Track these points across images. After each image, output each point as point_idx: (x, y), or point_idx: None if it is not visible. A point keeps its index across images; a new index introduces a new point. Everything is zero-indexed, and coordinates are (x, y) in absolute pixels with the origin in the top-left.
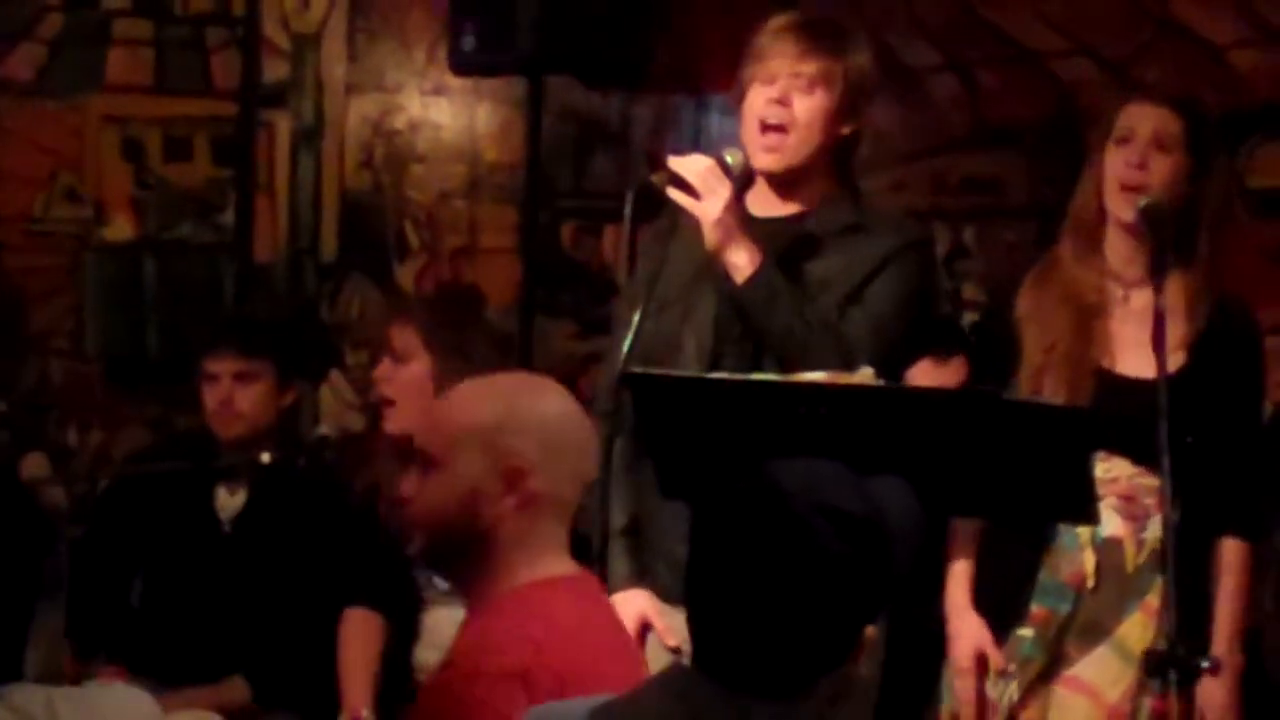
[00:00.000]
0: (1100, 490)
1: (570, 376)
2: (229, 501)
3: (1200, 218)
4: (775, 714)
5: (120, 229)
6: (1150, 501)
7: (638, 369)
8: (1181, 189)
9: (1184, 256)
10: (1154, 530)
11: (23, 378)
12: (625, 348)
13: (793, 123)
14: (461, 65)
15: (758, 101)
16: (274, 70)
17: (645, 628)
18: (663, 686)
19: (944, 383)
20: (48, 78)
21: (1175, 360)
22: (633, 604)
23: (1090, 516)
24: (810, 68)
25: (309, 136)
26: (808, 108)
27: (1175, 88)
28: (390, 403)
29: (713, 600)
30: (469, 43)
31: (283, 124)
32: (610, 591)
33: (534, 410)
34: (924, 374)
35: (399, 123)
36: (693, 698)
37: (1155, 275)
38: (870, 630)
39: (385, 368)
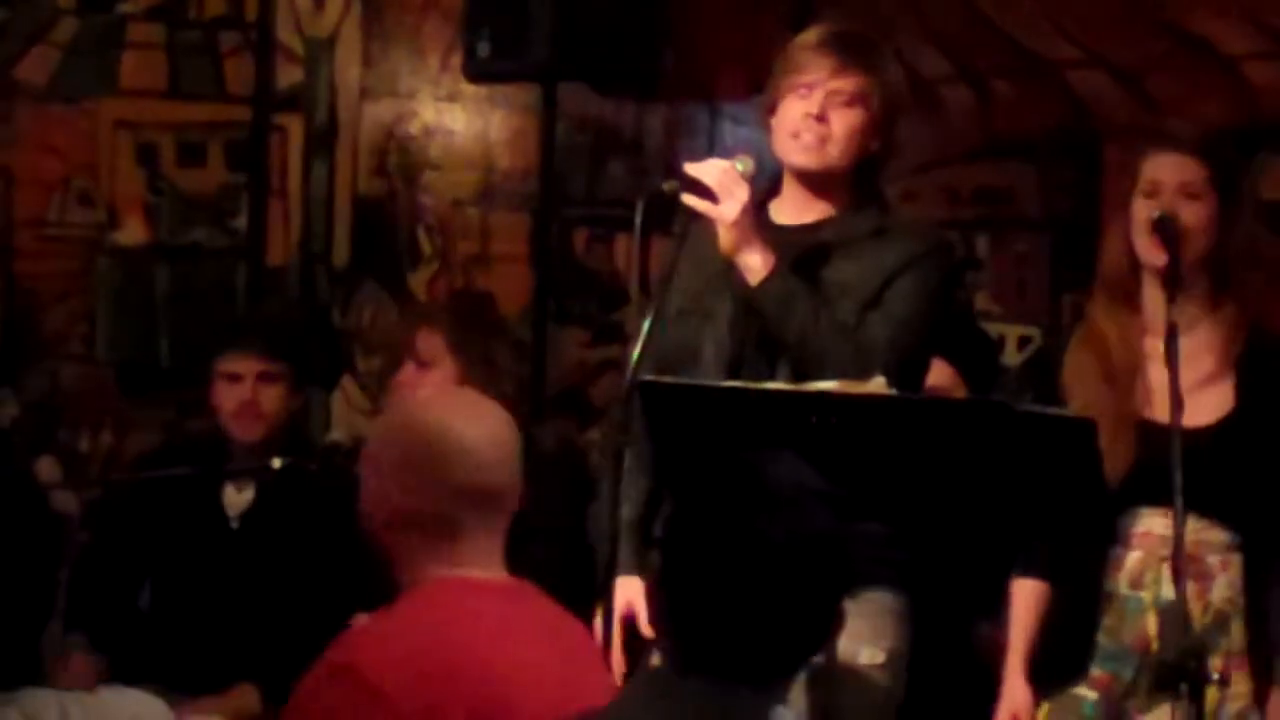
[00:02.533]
0: (1163, 551)
1: (582, 384)
2: (237, 498)
3: (1232, 257)
4: (759, 703)
5: (133, 233)
6: (1215, 559)
7: (649, 377)
8: (1213, 233)
9: (1220, 297)
10: (1220, 590)
11: (34, 382)
12: (634, 355)
13: (830, 136)
14: (476, 72)
15: (794, 114)
16: (287, 75)
17: (632, 615)
18: (646, 686)
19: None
20: (61, 82)
21: (1223, 404)
22: (624, 590)
23: (1104, 528)
24: (848, 83)
25: (322, 142)
26: (846, 123)
27: (1197, 130)
28: None
29: (700, 586)
30: (484, 49)
31: (296, 129)
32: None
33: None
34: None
35: (413, 129)
36: (678, 693)
37: (1169, 286)
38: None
39: (409, 373)
